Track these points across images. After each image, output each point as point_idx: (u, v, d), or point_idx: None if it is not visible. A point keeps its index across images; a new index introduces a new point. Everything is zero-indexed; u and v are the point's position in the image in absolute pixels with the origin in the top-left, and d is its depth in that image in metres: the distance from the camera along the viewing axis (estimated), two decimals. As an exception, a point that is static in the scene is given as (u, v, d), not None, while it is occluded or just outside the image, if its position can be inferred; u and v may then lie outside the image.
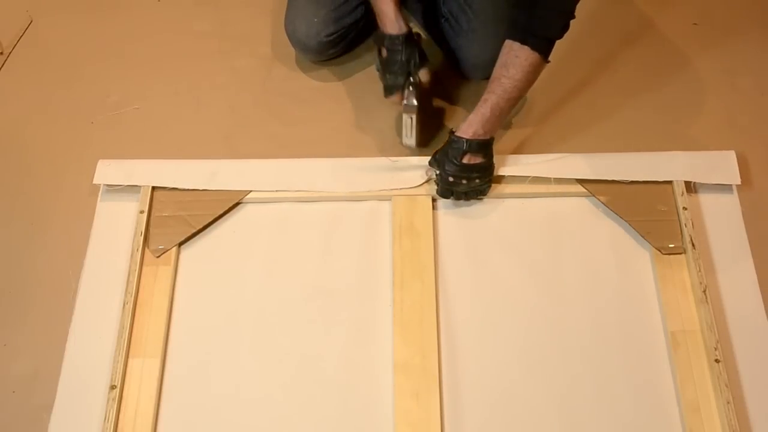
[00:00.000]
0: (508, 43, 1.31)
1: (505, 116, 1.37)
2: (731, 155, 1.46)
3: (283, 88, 1.65)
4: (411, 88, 1.42)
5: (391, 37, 1.41)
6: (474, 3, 1.53)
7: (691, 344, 1.25)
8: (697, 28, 1.74)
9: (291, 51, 1.67)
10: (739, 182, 1.43)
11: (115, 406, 1.19)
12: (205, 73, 1.68)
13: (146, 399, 1.22)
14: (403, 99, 1.42)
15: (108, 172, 1.45)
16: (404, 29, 1.41)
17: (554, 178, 1.42)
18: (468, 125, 1.34)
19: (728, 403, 1.17)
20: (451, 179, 1.36)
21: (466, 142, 1.33)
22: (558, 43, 1.31)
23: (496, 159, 1.39)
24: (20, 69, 1.70)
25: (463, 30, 1.54)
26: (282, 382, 1.25)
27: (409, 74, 1.42)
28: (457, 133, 1.34)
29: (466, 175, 1.36)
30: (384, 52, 1.43)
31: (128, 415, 1.20)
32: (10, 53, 1.72)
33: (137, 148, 1.53)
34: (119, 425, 1.19)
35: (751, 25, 1.75)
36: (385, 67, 1.44)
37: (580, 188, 1.43)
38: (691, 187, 1.43)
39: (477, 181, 1.38)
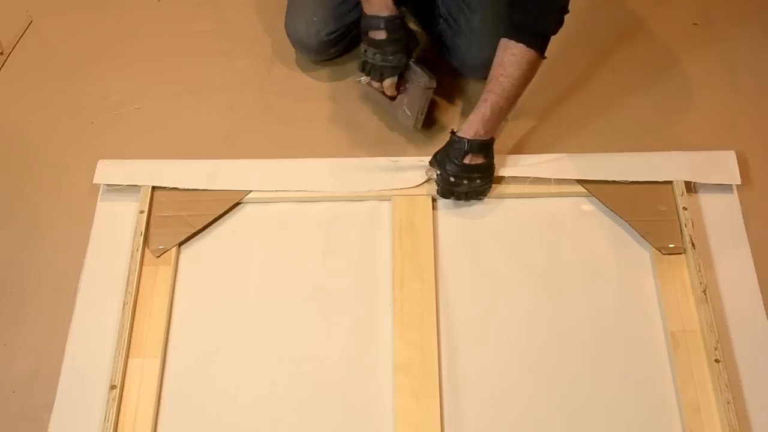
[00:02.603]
0: (503, 41, 1.31)
1: (505, 115, 1.37)
2: (731, 155, 1.45)
3: (283, 88, 1.65)
4: (420, 66, 1.42)
5: (391, 18, 1.39)
6: (472, 2, 1.53)
7: (691, 344, 1.25)
8: (697, 28, 1.74)
9: (291, 51, 1.67)
10: (739, 182, 1.42)
11: (115, 406, 1.19)
12: (205, 73, 1.68)
13: (146, 399, 1.22)
14: (412, 78, 1.43)
15: (108, 172, 1.45)
16: (396, 11, 1.40)
17: (554, 179, 1.42)
18: (469, 125, 1.34)
19: (728, 403, 1.17)
20: (452, 179, 1.37)
21: (468, 142, 1.33)
22: (556, 42, 1.31)
23: (496, 159, 1.39)
24: (20, 69, 1.69)
25: (462, 30, 1.54)
26: (282, 381, 1.25)
27: (409, 55, 1.42)
28: (459, 134, 1.34)
29: (467, 176, 1.36)
30: (383, 34, 1.40)
31: (128, 415, 1.20)
32: (10, 53, 1.71)
33: (137, 148, 1.53)
34: (119, 425, 1.19)
35: (750, 25, 1.75)
36: (383, 48, 1.41)
37: (580, 188, 1.43)
38: (691, 187, 1.43)
39: (478, 181, 1.38)
